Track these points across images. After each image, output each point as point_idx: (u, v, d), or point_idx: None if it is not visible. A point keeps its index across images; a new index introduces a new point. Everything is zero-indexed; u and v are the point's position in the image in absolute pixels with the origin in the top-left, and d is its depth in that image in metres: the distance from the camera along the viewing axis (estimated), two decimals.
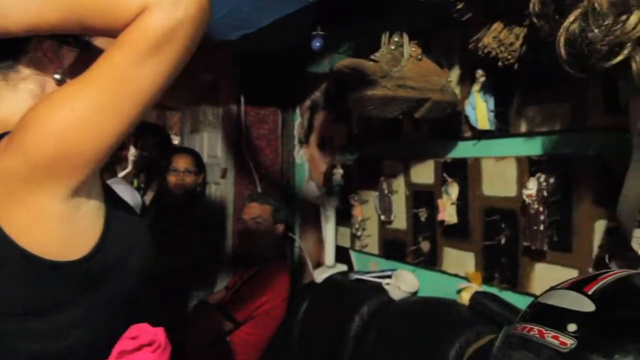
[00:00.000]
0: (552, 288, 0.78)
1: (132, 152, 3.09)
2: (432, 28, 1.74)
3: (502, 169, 1.59)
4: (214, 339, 2.11)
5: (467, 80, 1.68)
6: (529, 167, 1.50)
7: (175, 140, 3.55)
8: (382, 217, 2.03)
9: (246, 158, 2.59)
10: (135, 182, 3.05)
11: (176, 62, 0.68)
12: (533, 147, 1.51)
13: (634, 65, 0.85)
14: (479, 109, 1.61)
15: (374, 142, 2.13)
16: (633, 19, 0.82)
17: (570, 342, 0.65)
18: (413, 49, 1.53)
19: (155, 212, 2.68)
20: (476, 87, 1.60)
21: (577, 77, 1.33)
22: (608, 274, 0.74)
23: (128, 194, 2.38)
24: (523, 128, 1.53)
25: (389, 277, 1.92)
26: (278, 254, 2.35)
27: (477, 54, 1.42)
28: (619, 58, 0.85)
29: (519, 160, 1.53)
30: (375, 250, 2.14)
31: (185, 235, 2.52)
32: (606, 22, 0.84)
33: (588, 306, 0.68)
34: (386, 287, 1.90)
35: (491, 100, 1.59)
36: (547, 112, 1.46)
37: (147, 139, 3.00)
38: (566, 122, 1.42)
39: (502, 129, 1.59)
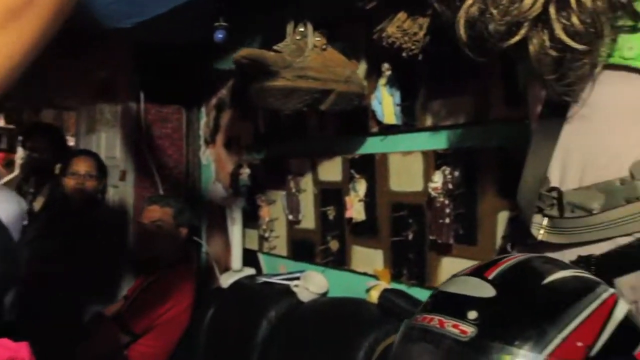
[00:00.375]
0: (454, 275, 0.74)
1: (19, 155, 2.83)
2: (340, 19, 1.70)
3: (409, 163, 1.57)
4: (109, 354, 1.94)
5: (373, 74, 1.66)
6: (434, 161, 1.49)
7: (71, 142, 3.29)
8: (290, 217, 1.96)
9: (147, 159, 2.43)
10: (24, 187, 2.77)
11: (36, 37, 0.57)
12: (438, 141, 1.50)
13: (531, 47, 0.84)
14: (386, 104, 1.59)
15: (281, 140, 2.06)
16: None
17: (470, 330, 0.61)
18: (317, 39, 1.48)
19: (47, 218, 2.45)
20: (382, 81, 1.58)
21: (478, 69, 1.35)
22: (509, 258, 0.71)
23: (10, 201, 2.15)
24: (429, 122, 1.52)
25: (298, 279, 1.85)
26: (182, 259, 2.21)
27: (383, 47, 1.40)
28: (516, 38, 0.83)
29: (425, 154, 1.52)
30: (284, 252, 2.07)
31: (81, 243, 2.32)
32: (503, 2, 0.82)
33: (488, 291, 0.64)
34: (294, 289, 1.83)
35: (397, 94, 1.57)
36: (451, 105, 1.46)
37: (37, 139, 2.75)
38: (470, 115, 1.42)
39: (409, 123, 1.57)
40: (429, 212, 1.47)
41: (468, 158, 1.41)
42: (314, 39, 1.48)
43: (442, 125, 1.49)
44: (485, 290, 0.64)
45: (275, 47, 1.44)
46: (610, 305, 0.65)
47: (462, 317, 0.63)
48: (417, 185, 1.53)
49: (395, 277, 1.62)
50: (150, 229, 2.11)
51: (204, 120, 2.56)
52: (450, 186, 1.40)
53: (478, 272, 0.68)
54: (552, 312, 0.61)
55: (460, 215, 1.41)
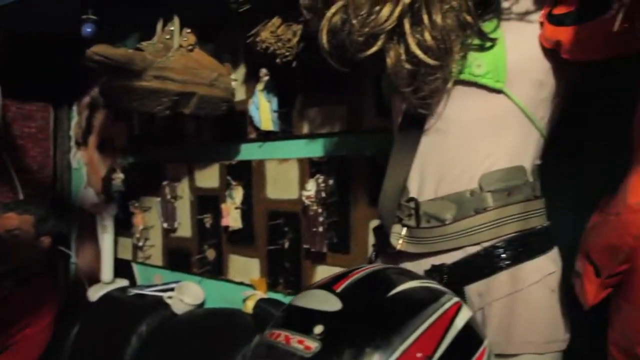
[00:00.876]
0: (307, 288, 0.72)
1: None
2: (218, 20, 1.65)
3: (285, 171, 1.55)
4: None
5: (251, 79, 1.62)
6: (310, 169, 1.48)
7: None
8: (165, 225, 1.88)
9: (5, 161, 2.19)
10: None
11: None
12: (314, 149, 1.50)
13: (388, 60, 0.85)
14: (263, 110, 1.56)
15: (157, 144, 1.96)
16: (385, 11, 0.81)
17: (314, 346, 0.59)
18: (185, 39, 1.41)
19: None
20: (260, 86, 1.55)
21: (352, 78, 1.37)
22: (360, 269, 0.71)
23: None
24: (305, 129, 1.52)
25: (172, 290, 1.77)
26: (43, 271, 2.02)
27: (260, 52, 1.37)
28: (373, 49, 0.84)
29: (301, 162, 1.51)
30: (160, 262, 1.97)
31: None
32: (362, 13, 0.83)
33: (335, 305, 0.63)
34: (168, 301, 1.74)
35: (275, 101, 1.55)
36: (326, 113, 1.47)
37: None
38: (344, 123, 1.43)
39: (286, 130, 1.56)
40: (304, 220, 1.47)
41: (342, 166, 1.42)
42: (182, 38, 1.41)
43: (317, 133, 1.49)
44: (332, 303, 0.63)
45: (138, 45, 1.36)
46: (451, 315, 0.66)
47: (308, 332, 0.61)
48: (293, 193, 1.52)
49: (272, 287, 1.60)
50: (5, 239, 1.91)
51: (75, 120, 2.38)
52: (323, 194, 1.40)
53: (327, 285, 0.67)
54: (395, 325, 0.61)
55: (334, 224, 1.42)
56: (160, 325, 1.72)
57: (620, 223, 0.71)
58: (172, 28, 1.41)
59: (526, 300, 0.85)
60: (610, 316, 0.80)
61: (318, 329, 0.61)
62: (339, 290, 0.65)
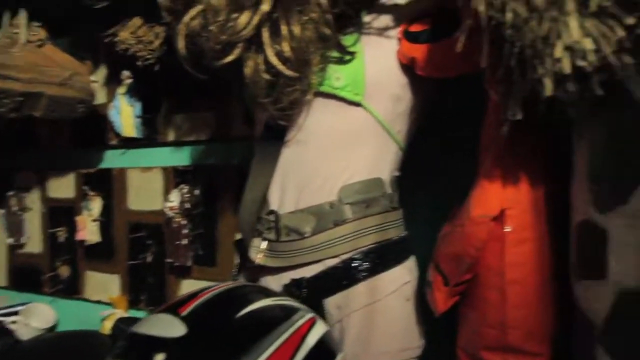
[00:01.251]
0: (152, 312, 0.66)
1: None
2: (76, 16, 1.51)
3: (149, 180, 1.47)
4: None
5: (114, 81, 1.51)
6: (175, 178, 1.41)
7: None
8: (11, 240, 1.69)
9: None
10: None
11: None
12: (180, 157, 1.43)
13: (246, 69, 0.83)
14: (125, 115, 1.46)
15: (2, 150, 1.75)
16: (243, 19, 0.79)
17: None
18: (35, 33, 1.28)
19: None
20: (122, 89, 1.45)
21: (218, 85, 1.33)
22: (210, 290, 0.67)
23: None
24: (170, 136, 1.44)
25: (17, 313, 1.58)
26: None
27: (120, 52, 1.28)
28: (230, 58, 0.81)
29: (165, 170, 1.44)
30: (4, 282, 1.77)
31: None
32: (220, 20, 0.80)
33: (179, 330, 0.58)
34: (11, 326, 1.55)
35: (138, 105, 1.46)
36: (193, 120, 1.41)
37: None
38: (212, 131, 1.38)
39: (150, 137, 1.47)
40: (167, 232, 1.39)
41: (208, 176, 1.37)
42: (30, 33, 1.27)
43: (183, 140, 1.42)
44: (175, 328, 0.59)
45: None
46: (303, 332, 0.65)
47: None
48: (157, 204, 1.44)
49: (134, 304, 1.50)
50: None
51: None
52: (188, 205, 1.34)
53: (172, 309, 0.62)
54: (243, 347, 0.58)
55: (200, 236, 1.37)
56: (0, 354, 1.53)
57: (464, 234, 0.74)
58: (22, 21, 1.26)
59: (383, 310, 0.86)
60: (458, 323, 0.84)
61: (159, 358, 0.56)
62: (184, 313, 0.61)
